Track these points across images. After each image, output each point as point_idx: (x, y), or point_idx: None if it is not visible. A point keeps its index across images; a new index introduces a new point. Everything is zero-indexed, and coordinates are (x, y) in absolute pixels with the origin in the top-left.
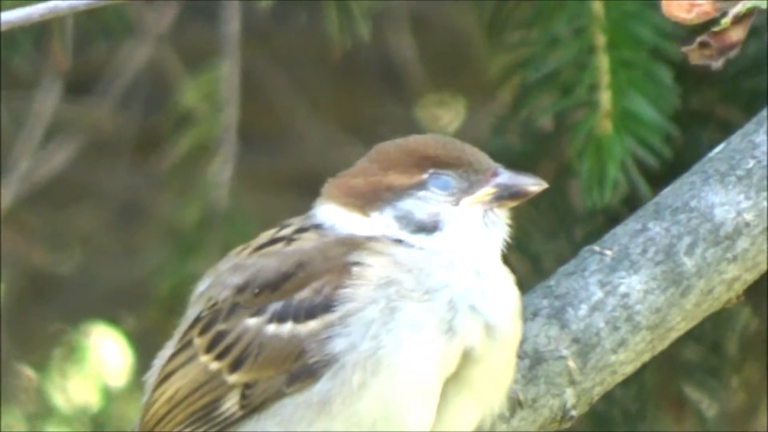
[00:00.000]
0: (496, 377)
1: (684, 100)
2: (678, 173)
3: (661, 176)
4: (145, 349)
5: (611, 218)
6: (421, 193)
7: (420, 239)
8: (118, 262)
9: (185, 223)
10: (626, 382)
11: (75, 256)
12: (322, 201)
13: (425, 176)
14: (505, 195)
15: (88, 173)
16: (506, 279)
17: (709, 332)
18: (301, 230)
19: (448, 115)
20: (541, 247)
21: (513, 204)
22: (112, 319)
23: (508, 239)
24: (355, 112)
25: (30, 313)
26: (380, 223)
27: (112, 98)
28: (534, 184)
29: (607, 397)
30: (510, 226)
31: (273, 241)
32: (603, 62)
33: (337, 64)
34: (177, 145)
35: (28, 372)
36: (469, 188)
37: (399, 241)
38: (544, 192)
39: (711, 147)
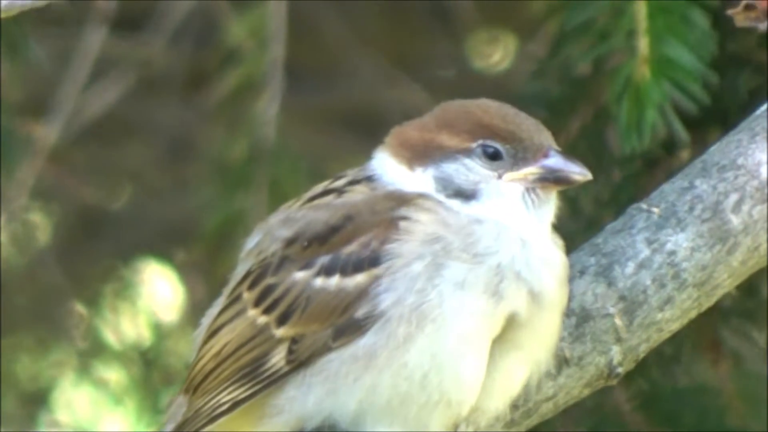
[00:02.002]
0: (541, 339)
1: (721, 46)
2: (716, 119)
3: (699, 121)
4: (195, 284)
5: (649, 161)
6: (466, 160)
7: (455, 204)
8: (169, 198)
9: (233, 158)
10: None
11: (125, 193)
12: (380, 149)
13: (474, 144)
14: (549, 178)
15: (138, 110)
16: (552, 248)
17: None
18: (354, 182)
19: (498, 51)
20: (579, 189)
21: (556, 188)
22: (163, 255)
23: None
24: (404, 48)
25: (81, 250)
26: (422, 180)
27: (162, 34)
28: (579, 174)
29: None
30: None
31: (325, 193)
32: (641, 8)
33: None
34: (224, 82)
35: (80, 309)
36: (515, 164)
37: (439, 202)
38: (582, 134)
39: (749, 92)
